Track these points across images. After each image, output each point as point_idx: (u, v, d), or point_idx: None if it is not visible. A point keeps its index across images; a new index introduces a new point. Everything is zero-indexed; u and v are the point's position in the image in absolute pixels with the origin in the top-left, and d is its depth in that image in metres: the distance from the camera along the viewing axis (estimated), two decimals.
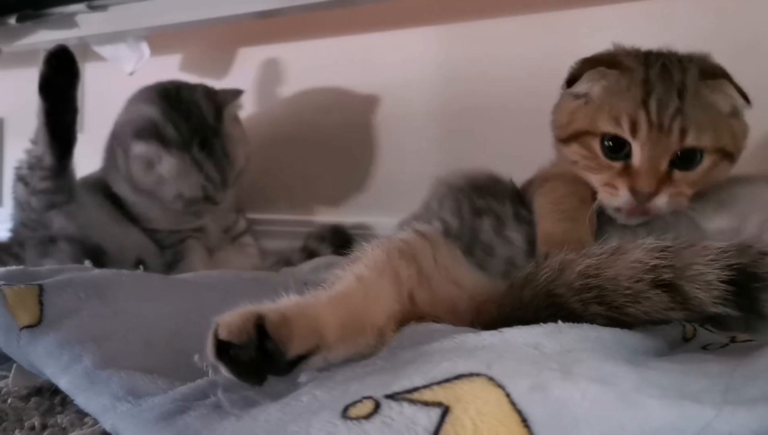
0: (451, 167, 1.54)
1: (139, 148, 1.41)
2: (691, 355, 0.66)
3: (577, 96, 0.88)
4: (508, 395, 0.46)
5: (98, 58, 1.83)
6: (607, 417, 0.46)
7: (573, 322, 0.62)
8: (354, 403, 0.48)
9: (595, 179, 0.86)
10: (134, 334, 0.79)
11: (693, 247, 0.63)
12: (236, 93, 1.51)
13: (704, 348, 0.69)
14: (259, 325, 0.60)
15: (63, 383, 0.72)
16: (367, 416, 0.46)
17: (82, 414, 0.72)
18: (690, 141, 0.81)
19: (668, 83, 0.82)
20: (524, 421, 0.45)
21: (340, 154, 1.72)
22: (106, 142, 1.52)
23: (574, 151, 0.88)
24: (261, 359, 0.59)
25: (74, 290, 0.84)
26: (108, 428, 0.63)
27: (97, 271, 0.94)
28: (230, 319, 0.61)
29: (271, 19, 1.62)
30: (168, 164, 1.41)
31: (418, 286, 0.74)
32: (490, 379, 0.48)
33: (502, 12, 1.47)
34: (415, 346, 0.63)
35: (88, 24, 1.78)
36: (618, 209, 0.84)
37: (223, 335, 0.60)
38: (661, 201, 0.81)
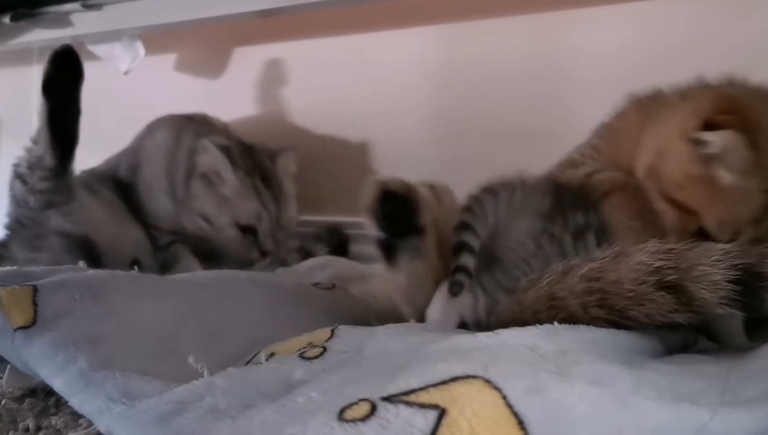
0: (448, 166, 1.55)
1: (209, 158, 1.44)
2: (686, 356, 0.67)
3: (698, 143, 0.77)
4: (504, 397, 0.46)
5: (93, 57, 1.82)
6: (603, 419, 0.46)
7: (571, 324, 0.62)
8: (350, 405, 0.48)
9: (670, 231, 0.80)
10: (129, 335, 0.79)
11: (696, 249, 0.62)
12: (288, 150, 1.55)
13: (701, 352, 0.69)
14: (410, 189, 0.80)
15: (57, 384, 0.71)
16: (364, 418, 0.46)
17: (76, 415, 0.72)
18: None
19: None
20: (521, 423, 0.45)
21: (336, 154, 1.72)
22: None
23: (669, 214, 0.80)
24: (402, 215, 0.78)
25: (69, 291, 0.83)
26: (103, 430, 0.63)
27: (91, 271, 0.94)
28: (393, 179, 0.82)
29: (267, 18, 1.62)
30: (232, 184, 1.43)
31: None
32: (487, 380, 0.47)
33: (500, 12, 1.47)
34: (409, 347, 0.64)
35: (82, 23, 1.77)
36: None
37: (392, 187, 0.80)
38: None
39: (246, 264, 1.44)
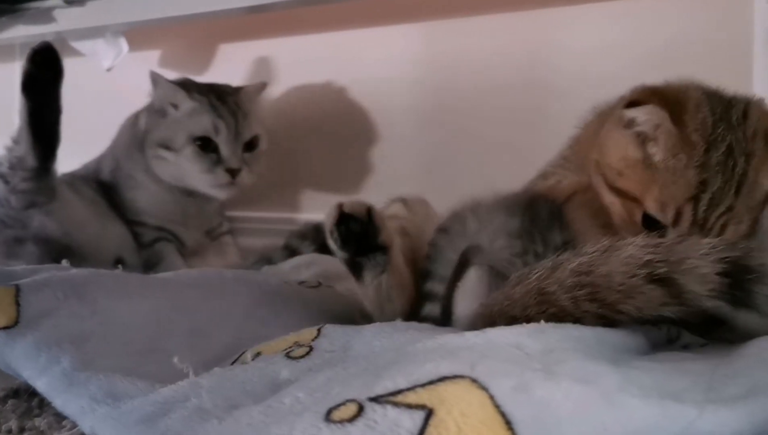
0: (433, 164, 1.55)
1: (161, 89, 1.46)
2: (671, 353, 0.67)
3: (628, 124, 0.81)
4: (491, 397, 0.46)
5: (75, 53, 1.81)
6: (590, 417, 0.46)
7: (563, 319, 0.62)
8: (337, 406, 0.48)
9: (622, 232, 0.81)
10: (113, 335, 0.78)
11: (685, 242, 0.63)
12: (259, 84, 1.57)
13: (685, 347, 0.70)
14: (369, 210, 0.84)
15: (40, 385, 0.71)
16: (351, 419, 0.46)
17: (60, 417, 0.71)
18: (727, 235, 0.77)
19: (728, 175, 0.76)
20: (508, 423, 0.45)
21: (321, 152, 1.71)
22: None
23: (614, 203, 0.83)
24: (363, 235, 0.83)
25: (52, 290, 0.83)
26: (87, 431, 0.62)
27: (75, 270, 0.93)
28: (351, 202, 0.85)
29: (252, 15, 1.61)
30: (186, 106, 1.45)
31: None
32: (474, 380, 0.47)
33: (485, 9, 1.47)
34: (396, 346, 0.64)
35: (65, 19, 1.76)
36: None
37: (347, 210, 0.83)
38: None
39: (219, 190, 1.46)
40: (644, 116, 0.79)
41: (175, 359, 0.69)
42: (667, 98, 0.79)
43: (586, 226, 0.82)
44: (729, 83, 1.16)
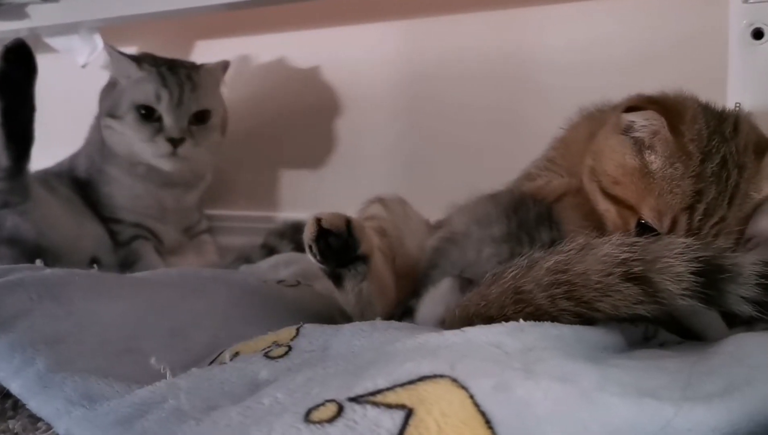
0: (412, 164, 1.55)
1: (114, 62, 1.47)
2: (649, 351, 0.67)
3: (626, 130, 0.82)
4: (471, 396, 0.46)
5: (50, 50, 1.78)
6: (569, 416, 0.47)
7: (540, 318, 0.62)
8: (317, 407, 0.48)
9: None
10: (89, 336, 0.77)
11: (659, 242, 0.64)
12: (221, 62, 1.55)
13: (661, 345, 0.70)
14: (348, 223, 0.83)
15: (14, 387, 0.69)
16: (330, 420, 0.46)
17: (34, 419, 0.70)
18: (719, 243, 0.77)
19: (722, 186, 0.77)
20: (488, 422, 0.45)
21: (300, 150, 1.71)
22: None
23: (608, 209, 0.83)
24: (342, 249, 0.83)
25: (26, 290, 0.81)
26: (62, 433, 0.62)
27: (49, 270, 0.91)
28: (329, 216, 0.83)
29: (229, 12, 1.60)
30: (135, 75, 1.44)
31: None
32: (454, 380, 0.47)
33: (465, 8, 1.47)
34: (377, 345, 0.63)
35: (39, 15, 1.73)
36: None
37: (326, 225, 0.82)
38: None
39: (162, 160, 1.44)
40: (643, 121, 0.80)
41: (153, 360, 0.68)
42: (666, 106, 0.80)
43: (577, 228, 0.81)
44: (704, 81, 1.17)
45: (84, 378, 0.66)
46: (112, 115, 1.46)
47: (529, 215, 0.82)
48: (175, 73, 1.46)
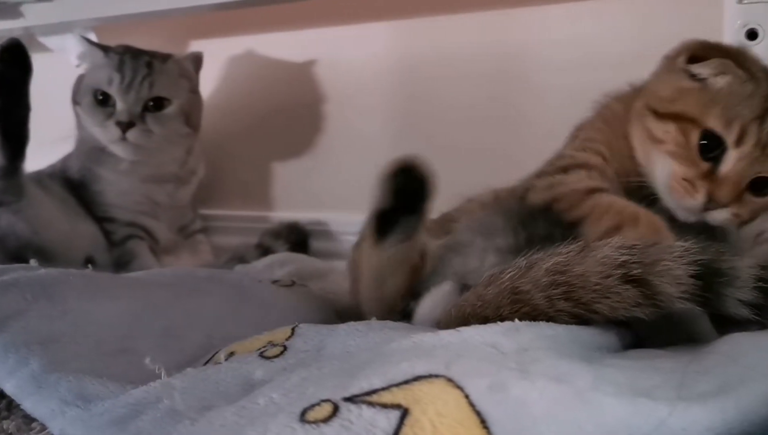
0: None
1: (87, 52, 1.47)
2: (643, 351, 0.67)
3: (691, 76, 0.84)
4: (467, 396, 0.46)
5: (44, 49, 1.77)
6: (564, 416, 0.47)
7: (536, 318, 0.62)
8: (312, 407, 0.48)
9: (674, 169, 0.83)
10: (83, 336, 0.77)
11: (658, 245, 0.64)
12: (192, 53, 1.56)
13: (656, 347, 0.70)
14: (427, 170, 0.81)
15: (9, 387, 0.69)
16: (326, 420, 0.46)
17: (29, 419, 0.70)
18: None
19: None
20: (483, 422, 0.45)
21: (295, 150, 1.70)
22: None
23: (666, 130, 0.83)
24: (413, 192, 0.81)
25: (20, 290, 0.81)
26: (56, 433, 0.61)
27: (43, 270, 0.91)
28: (411, 157, 0.82)
29: (224, 12, 1.59)
30: (97, 59, 1.46)
31: None
32: (449, 380, 0.47)
33: (459, 8, 1.47)
34: (372, 345, 0.63)
35: (33, 14, 1.72)
36: (684, 207, 0.83)
37: (408, 162, 0.81)
38: (723, 215, 0.81)
39: (115, 146, 1.44)
40: (711, 70, 0.82)
41: (147, 360, 0.68)
42: (728, 51, 0.83)
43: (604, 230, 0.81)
44: None
45: (78, 378, 0.66)
46: (76, 101, 1.48)
47: (537, 230, 0.82)
48: (136, 59, 1.45)
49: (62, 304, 0.82)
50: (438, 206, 0.94)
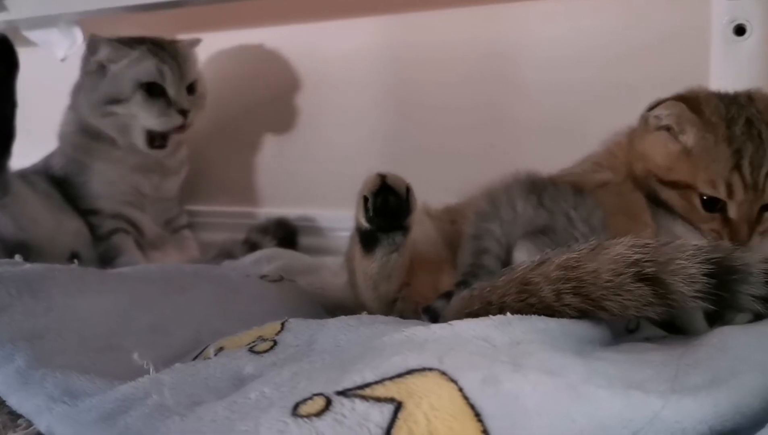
0: (393, 159, 1.55)
1: (102, 52, 1.46)
2: (633, 344, 0.68)
3: (659, 126, 0.89)
4: (460, 389, 0.46)
5: (28, 43, 1.75)
6: (557, 408, 0.47)
7: (541, 311, 0.62)
8: (304, 401, 0.47)
9: (696, 222, 0.88)
10: (69, 332, 0.76)
11: (671, 244, 0.64)
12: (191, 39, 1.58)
13: (647, 339, 0.70)
14: (408, 189, 0.83)
15: None
16: (319, 414, 0.45)
17: (15, 415, 0.69)
18: None
19: (757, 142, 0.84)
20: (477, 415, 0.45)
21: (282, 146, 1.70)
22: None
23: (673, 197, 0.89)
24: (397, 210, 0.83)
25: (5, 286, 0.80)
26: (43, 430, 0.61)
27: (28, 265, 0.90)
28: (393, 176, 0.83)
29: (211, 6, 1.58)
30: (127, 57, 1.45)
31: None
32: (443, 373, 0.47)
33: (446, 4, 1.47)
34: (361, 340, 0.63)
35: (17, 7, 1.70)
36: None
37: (390, 182, 0.82)
38: (755, 241, 0.85)
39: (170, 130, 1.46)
40: (665, 111, 0.88)
41: (135, 355, 0.67)
42: (681, 95, 0.88)
43: (613, 213, 0.86)
44: (686, 77, 1.18)
45: (65, 374, 0.65)
46: (115, 100, 1.46)
47: (547, 189, 0.86)
48: (163, 48, 1.48)
49: (47, 299, 0.81)
50: (424, 198, 0.95)
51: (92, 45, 1.47)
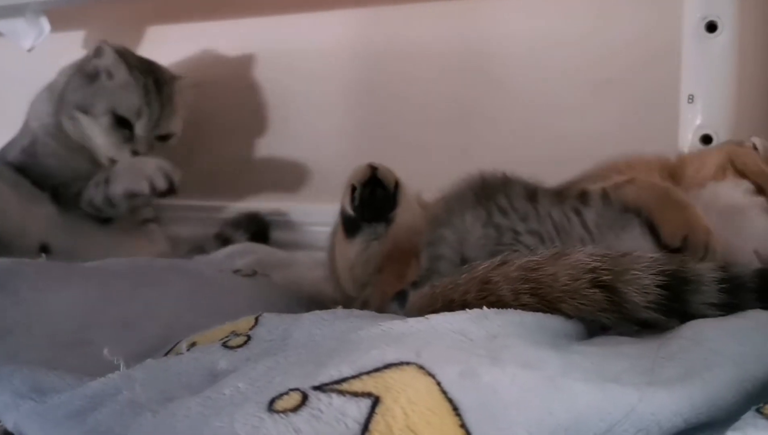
0: (366, 154, 1.54)
1: (105, 60, 1.45)
2: (608, 338, 0.68)
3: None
4: (438, 383, 0.46)
5: None
6: (535, 401, 0.46)
7: (500, 308, 0.62)
8: (280, 396, 0.46)
9: None
10: (38, 327, 0.75)
11: (628, 255, 0.65)
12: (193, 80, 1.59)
13: (621, 333, 0.71)
14: (397, 183, 0.84)
15: None
16: (295, 409, 0.45)
17: None
18: None
19: None
20: (455, 409, 0.44)
21: (253, 140, 1.68)
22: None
23: None
24: (382, 203, 0.83)
25: None
26: (10, 428, 0.59)
27: None
28: (384, 168, 0.84)
29: None
30: (122, 78, 1.44)
31: None
32: (420, 367, 0.47)
33: None
34: (337, 334, 0.62)
35: None
36: None
37: (380, 175, 0.83)
38: None
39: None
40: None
41: (106, 351, 0.66)
42: None
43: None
44: (658, 73, 1.19)
45: (33, 370, 0.63)
46: (85, 111, 1.45)
47: (498, 198, 0.84)
48: (159, 90, 1.48)
49: (14, 294, 0.79)
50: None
51: (99, 51, 1.46)
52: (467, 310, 0.60)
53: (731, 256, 0.74)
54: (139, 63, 1.49)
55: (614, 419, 0.46)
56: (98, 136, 1.45)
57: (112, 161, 1.46)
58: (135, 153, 1.45)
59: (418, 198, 1.00)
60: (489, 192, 0.87)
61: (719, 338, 0.58)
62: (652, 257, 0.64)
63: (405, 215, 0.92)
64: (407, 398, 0.44)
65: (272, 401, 0.46)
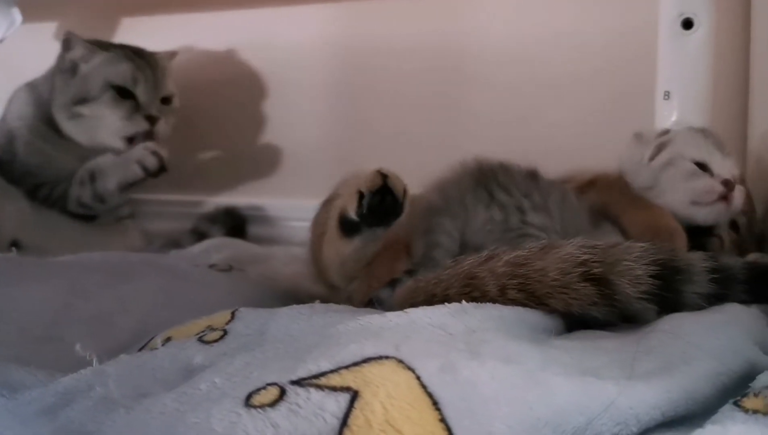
0: (343, 149, 1.53)
1: (76, 50, 1.44)
2: (587, 332, 0.68)
3: None
4: (418, 377, 0.45)
5: None
6: (514, 396, 0.46)
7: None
8: (257, 390, 0.45)
9: None
10: (8, 323, 0.73)
11: (619, 246, 0.65)
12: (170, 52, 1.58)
13: (600, 327, 0.71)
14: (404, 191, 0.80)
15: None
16: (272, 404, 0.44)
17: None
18: None
19: None
20: (435, 404, 0.44)
21: (230, 134, 1.67)
22: None
23: None
24: (389, 211, 0.80)
25: None
26: None
27: None
28: (394, 176, 0.80)
29: None
30: (101, 56, 1.43)
31: None
32: (400, 361, 0.46)
33: None
34: (316, 328, 0.62)
35: None
36: None
37: (390, 184, 0.79)
38: None
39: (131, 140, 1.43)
40: None
41: (78, 347, 0.64)
42: None
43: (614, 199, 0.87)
44: (635, 70, 1.20)
45: (3, 366, 0.62)
46: (83, 100, 1.42)
47: (497, 177, 0.85)
48: (142, 56, 1.47)
49: None
50: None
51: (67, 42, 1.44)
52: (446, 304, 0.60)
53: None
54: (110, 43, 1.49)
55: (593, 413, 0.46)
56: (108, 116, 1.42)
57: (129, 141, 1.44)
58: (150, 118, 1.43)
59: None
60: (488, 173, 0.87)
61: (697, 332, 0.58)
62: (642, 247, 0.64)
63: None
64: (386, 392, 0.44)
65: (249, 396, 0.45)
